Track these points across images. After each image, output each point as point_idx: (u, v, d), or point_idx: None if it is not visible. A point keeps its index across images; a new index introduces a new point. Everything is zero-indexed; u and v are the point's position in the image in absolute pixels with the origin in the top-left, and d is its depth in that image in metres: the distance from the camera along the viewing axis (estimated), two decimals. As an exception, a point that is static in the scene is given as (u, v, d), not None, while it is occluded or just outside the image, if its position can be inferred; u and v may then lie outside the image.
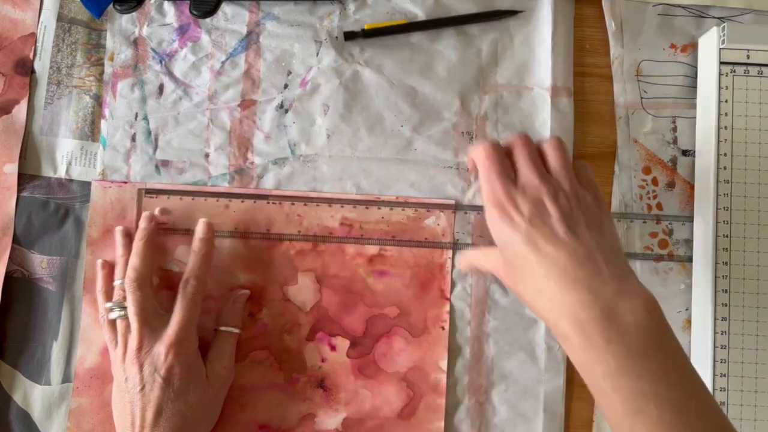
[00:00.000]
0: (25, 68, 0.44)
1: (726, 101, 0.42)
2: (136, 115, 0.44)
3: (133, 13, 0.44)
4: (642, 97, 0.44)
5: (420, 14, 0.45)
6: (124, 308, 0.38)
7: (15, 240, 0.43)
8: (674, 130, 0.44)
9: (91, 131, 0.44)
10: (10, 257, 0.42)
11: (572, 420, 0.42)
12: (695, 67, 0.44)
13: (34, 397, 0.41)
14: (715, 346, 0.40)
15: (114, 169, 0.43)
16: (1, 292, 0.42)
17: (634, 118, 0.44)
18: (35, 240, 0.43)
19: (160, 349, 0.37)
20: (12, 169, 0.43)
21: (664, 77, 0.44)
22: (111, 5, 0.42)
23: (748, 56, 0.42)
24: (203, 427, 0.39)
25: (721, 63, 0.42)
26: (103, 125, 0.44)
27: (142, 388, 0.37)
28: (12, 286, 0.42)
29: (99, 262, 0.42)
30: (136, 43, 0.44)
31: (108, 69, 0.44)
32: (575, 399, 0.42)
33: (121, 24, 0.44)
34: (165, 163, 0.43)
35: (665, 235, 0.43)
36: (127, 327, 0.38)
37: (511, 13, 0.45)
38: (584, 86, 0.45)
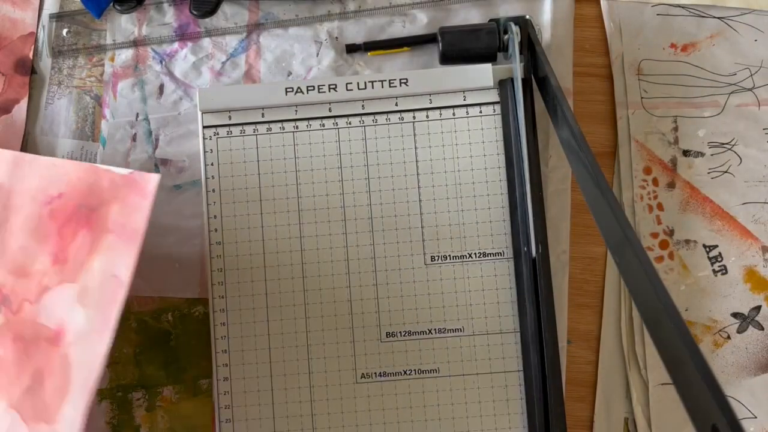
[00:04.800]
0: (25, 68, 0.44)
1: (212, 164, 0.41)
2: (137, 115, 0.44)
3: (133, 13, 0.44)
4: (642, 97, 0.44)
5: (420, 14, 0.45)
6: None
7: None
8: (675, 129, 0.44)
9: (91, 131, 0.44)
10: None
11: (572, 420, 0.42)
12: (697, 67, 0.44)
13: None
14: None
15: (113, 168, 0.43)
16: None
17: (634, 118, 0.44)
18: (35, 240, 0.43)
19: None
20: (12, 168, 0.43)
21: (665, 76, 0.44)
22: (111, 5, 0.42)
23: (230, 117, 0.41)
24: None
25: (204, 127, 0.41)
26: (104, 125, 0.44)
27: None
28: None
29: None
30: (136, 43, 0.44)
31: (108, 69, 0.44)
32: (575, 399, 0.42)
33: (121, 24, 0.44)
34: (164, 162, 0.43)
35: (666, 235, 0.43)
36: None
37: None
38: (584, 86, 0.45)
